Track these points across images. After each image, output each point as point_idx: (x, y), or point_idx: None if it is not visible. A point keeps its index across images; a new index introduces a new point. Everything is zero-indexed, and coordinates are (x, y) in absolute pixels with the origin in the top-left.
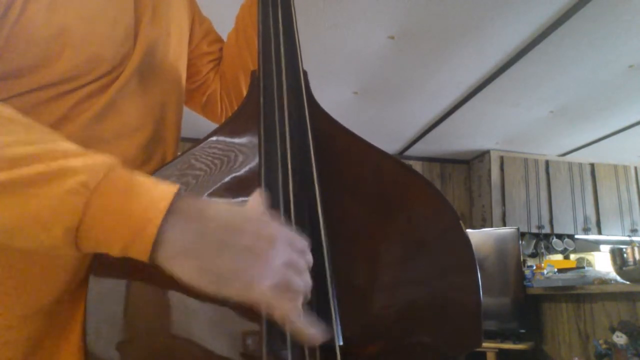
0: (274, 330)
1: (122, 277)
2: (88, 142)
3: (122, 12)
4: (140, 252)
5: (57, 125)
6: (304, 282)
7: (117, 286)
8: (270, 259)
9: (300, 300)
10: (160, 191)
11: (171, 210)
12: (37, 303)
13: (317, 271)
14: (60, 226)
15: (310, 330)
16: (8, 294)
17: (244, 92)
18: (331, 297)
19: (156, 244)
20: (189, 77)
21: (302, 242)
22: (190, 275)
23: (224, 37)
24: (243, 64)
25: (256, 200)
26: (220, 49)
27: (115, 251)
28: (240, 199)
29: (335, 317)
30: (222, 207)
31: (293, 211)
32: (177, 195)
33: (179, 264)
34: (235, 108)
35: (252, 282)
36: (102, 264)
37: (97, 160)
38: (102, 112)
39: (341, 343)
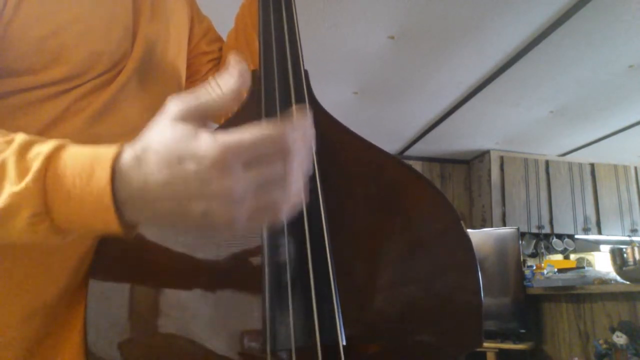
0: (277, 330)
1: (122, 277)
2: (86, 141)
3: (119, 10)
4: (112, 225)
5: (54, 123)
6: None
7: (117, 286)
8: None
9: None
10: (98, 163)
11: (115, 176)
12: (37, 303)
13: (319, 270)
14: (28, 211)
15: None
16: (9, 294)
17: (244, 92)
18: (334, 297)
19: (118, 211)
20: (188, 77)
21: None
22: (160, 220)
23: (224, 37)
24: None
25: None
26: (220, 49)
27: (98, 229)
28: None
29: (338, 317)
30: (155, 146)
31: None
32: (116, 159)
33: (146, 216)
34: (235, 108)
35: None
36: (102, 265)
37: (28, 181)
38: (101, 111)
39: (344, 343)
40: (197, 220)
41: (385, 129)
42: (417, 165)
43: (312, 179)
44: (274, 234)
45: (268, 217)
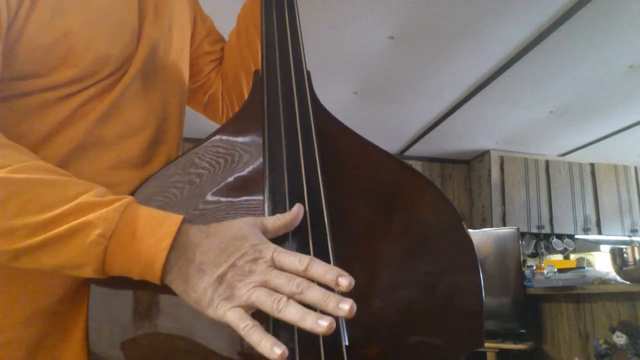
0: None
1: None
2: (91, 142)
3: (127, 13)
4: (153, 279)
5: (61, 126)
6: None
7: (118, 287)
8: (238, 288)
9: (283, 307)
10: (163, 229)
11: (173, 247)
12: (39, 303)
13: None
14: (89, 268)
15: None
16: (10, 294)
17: (245, 92)
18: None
19: (163, 274)
20: (190, 77)
21: (294, 261)
22: (183, 296)
23: (226, 37)
24: (244, 64)
25: (251, 226)
26: (222, 49)
27: (135, 277)
28: (244, 198)
29: (341, 318)
30: (214, 242)
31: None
32: (179, 232)
33: (176, 287)
34: (236, 108)
35: (215, 306)
36: None
37: (110, 209)
38: (106, 114)
39: (347, 343)
40: (210, 285)
41: (385, 129)
42: (417, 165)
43: (314, 179)
44: (278, 235)
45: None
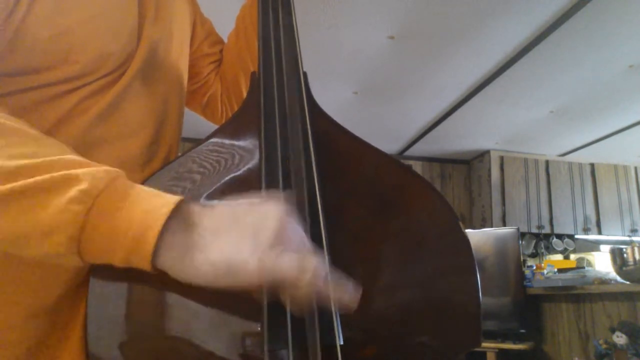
0: (275, 330)
1: (122, 278)
2: (90, 142)
3: (127, 11)
4: (141, 260)
5: (60, 123)
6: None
7: (117, 286)
8: (270, 234)
9: (314, 265)
10: (162, 199)
11: (172, 216)
12: (39, 303)
13: None
14: (63, 234)
15: (342, 289)
16: (10, 294)
17: (244, 94)
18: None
19: (157, 249)
20: (190, 78)
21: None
22: (198, 272)
23: (225, 38)
24: (243, 65)
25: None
26: (221, 51)
27: (117, 260)
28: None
29: (336, 317)
30: (222, 205)
31: (295, 212)
32: (179, 203)
33: (183, 264)
34: (235, 109)
35: (260, 257)
36: (102, 264)
37: (100, 169)
38: (105, 112)
39: (342, 342)
40: (219, 266)
41: (385, 129)
42: (417, 165)
43: (311, 180)
44: None
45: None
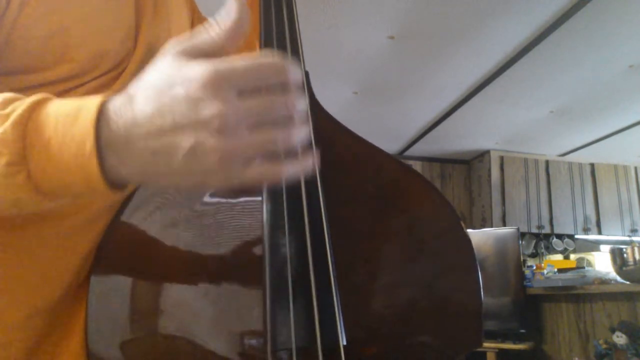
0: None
1: (122, 277)
2: None
3: (123, 9)
4: (103, 189)
5: None
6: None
7: (117, 286)
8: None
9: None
10: (79, 127)
11: (101, 117)
12: (40, 303)
13: (320, 271)
14: (4, 158)
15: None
16: (11, 294)
17: None
18: (335, 297)
19: (106, 177)
20: None
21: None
22: (146, 169)
23: None
24: None
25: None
26: None
27: (84, 190)
28: (242, 199)
29: (339, 317)
30: (146, 108)
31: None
32: (98, 125)
33: (130, 165)
34: None
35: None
36: (103, 264)
37: (7, 126)
38: None
39: (345, 343)
40: (187, 164)
41: (385, 129)
42: (417, 165)
43: (312, 179)
44: (275, 234)
45: (268, 170)
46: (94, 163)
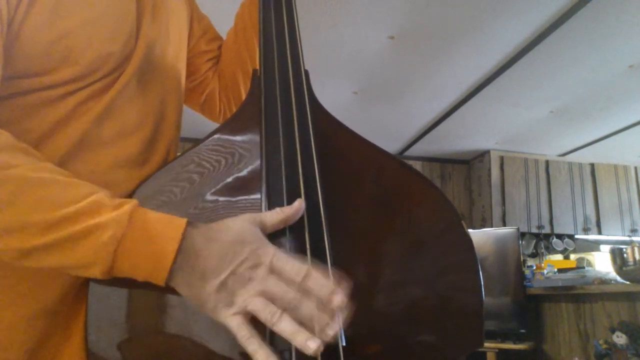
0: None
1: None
2: (89, 142)
3: (126, 12)
4: (158, 282)
5: (60, 125)
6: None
7: (117, 287)
8: (237, 295)
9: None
10: (170, 232)
11: (179, 251)
12: (41, 303)
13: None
14: (98, 269)
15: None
16: (12, 296)
17: (242, 92)
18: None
19: (168, 277)
20: (187, 76)
21: (297, 270)
22: (188, 298)
23: (223, 36)
24: (241, 63)
25: (252, 224)
26: (219, 47)
27: (140, 279)
28: (242, 197)
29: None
30: (215, 248)
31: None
32: (184, 236)
33: (181, 291)
34: (234, 107)
35: (218, 311)
36: None
37: (120, 211)
38: (104, 112)
39: (344, 344)
40: (209, 288)
41: (385, 129)
42: (417, 165)
43: (312, 178)
44: (275, 234)
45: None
46: (169, 262)
